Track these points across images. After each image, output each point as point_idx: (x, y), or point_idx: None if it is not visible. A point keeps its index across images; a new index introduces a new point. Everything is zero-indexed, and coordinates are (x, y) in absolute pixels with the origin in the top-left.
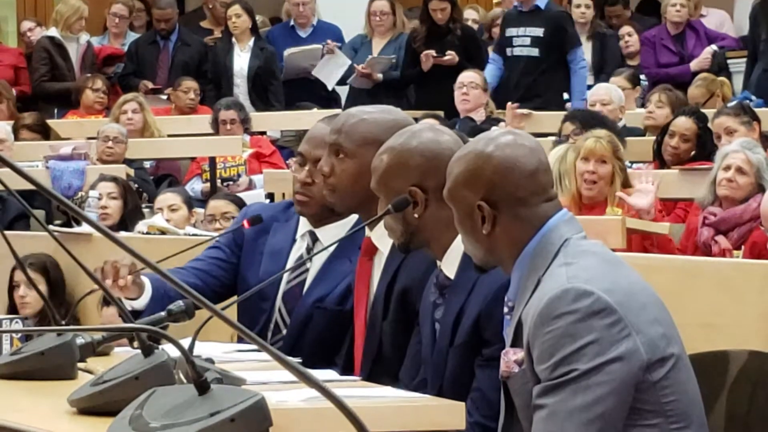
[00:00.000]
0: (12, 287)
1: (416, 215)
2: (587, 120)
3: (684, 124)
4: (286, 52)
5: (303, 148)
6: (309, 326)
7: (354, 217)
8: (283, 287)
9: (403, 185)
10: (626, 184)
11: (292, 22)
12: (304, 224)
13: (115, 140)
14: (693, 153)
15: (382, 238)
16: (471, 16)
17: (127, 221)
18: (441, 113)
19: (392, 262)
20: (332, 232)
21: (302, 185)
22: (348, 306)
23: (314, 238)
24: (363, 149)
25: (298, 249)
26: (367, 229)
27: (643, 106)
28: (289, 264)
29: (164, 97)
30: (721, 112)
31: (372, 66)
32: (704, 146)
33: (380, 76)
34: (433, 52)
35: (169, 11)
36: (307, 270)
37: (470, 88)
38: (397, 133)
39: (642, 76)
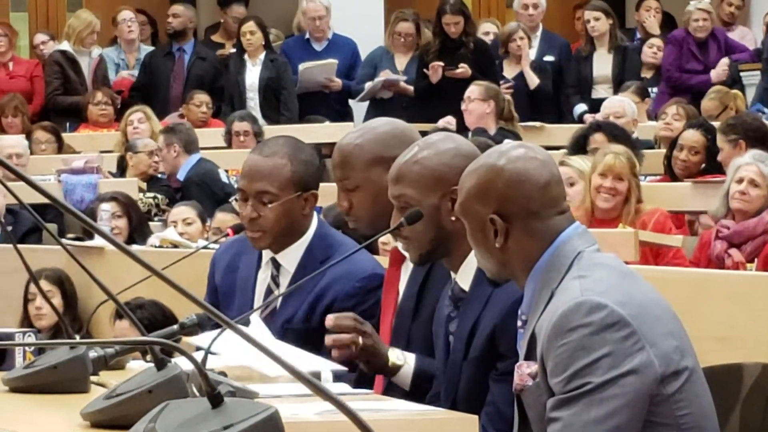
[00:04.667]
0: (27, 300)
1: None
2: (614, 133)
3: (692, 136)
4: (301, 66)
5: (242, 184)
6: None
7: (311, 232)
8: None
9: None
10: (640, 201)
11: (307, 35)
12: (266, 251)
13: (158, 152)
14: (703, 165)
15: None
16: (491, 29)
17: (134, 236)
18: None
19: (420, 268)
20: (292, 255)
21: (249, 221)
22: (314, 322)
23: (277, 265)
24: (369, 173)
25: (264, 276)
26: (392, 239)
27: (652, 118)
28: (258, 290)
29: (177, 113)
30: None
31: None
32: (714, 158)
33: (412, 88)
34: (440, 63)
35: (184, 12)
36: (274, 297)
37: (468, 102)
38: (414, 142)
39: (650, 89)
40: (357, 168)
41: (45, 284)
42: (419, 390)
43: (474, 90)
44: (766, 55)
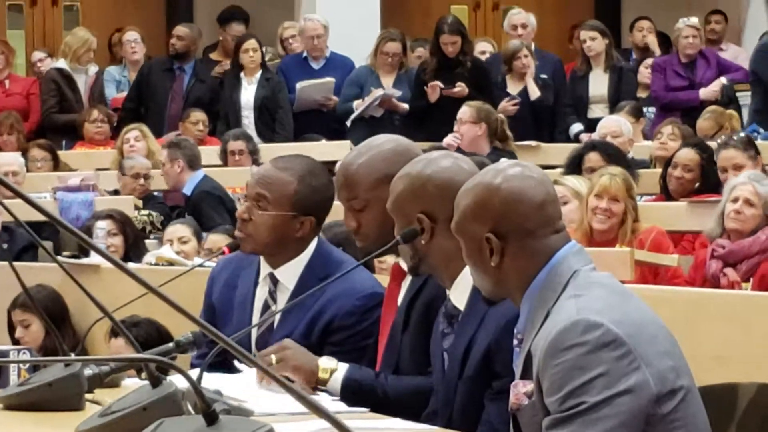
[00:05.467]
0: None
1: (423, 242)
2: (609, 152)
3: (687, 155)
4: (299, 85)
5: (248, 184)
6: None
7: (310, 249)
8: (255, 334)
9: (415, 211)
10: (637, 220)
11: (305, 54)
12: (264, 266)
13: (145, 176)
14: (698, 185)
15: None
16: (487, 48)
17: (130, 254)
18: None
19: (416, 280)
20: (291, 271)
21: (241, 221)
22: (312, 339)
23: (275, 281)
24: (376, 192)
25: (262, 293)
26: (393, 255)
27: (647, 138)
28: (256, 307)
29: (176, 132)
30: (728, 143)
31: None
32: (708, 178)
33: (406, 105)
34: (439, 83)
35: (188, 34)
36: (272, 313)
37: (460, 124)
38: (417, 158)
39: (645, 109)
40: (364, 187)
41: (19, 313)
42: (351, 398)
43: (465, 111)
44: (752, 77)
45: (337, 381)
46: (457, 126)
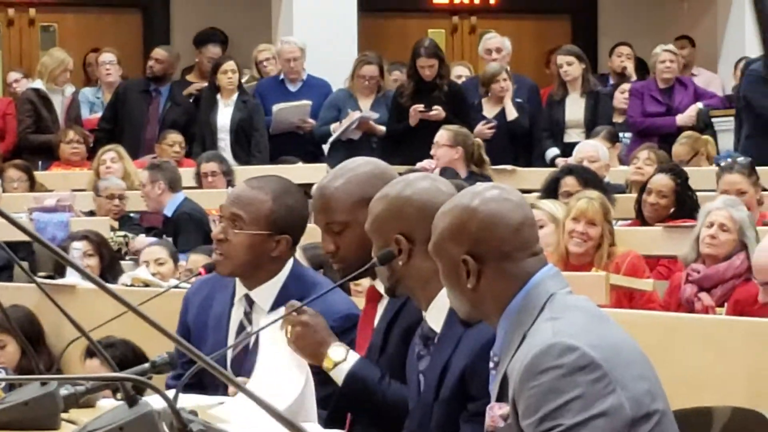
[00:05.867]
0: None
1: (400, 263)
2: (585, 176)
3: (661, 180)
4: (275, 108)
5: (223, 204)
6: None
7: (286, 270)
8: (230, 355)
9: (394, 232)
10: (613, 244)
11: (281, 76)
12: (240, 287)
13: (120, 197)
14: (672, 210)
15: None
16: (463, 72)
17: (106, 275)
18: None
19: (394, 303)
20: (266, 292)
21: (216, 242)
22: None
23: (250, 302)
24: (354, 215)
25: (237, 314)
26: (369, 278)
27: (623, 163)
28: (231, 328)
29: (151, 156)
30: (733, 168)
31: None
32: (684, 203)
33: (383, 128)
34: (421, 107)
35: (167, 58)
36: (249, 334)
37: (437, 147)
38: (395, 180)
39: (621, 134)
40: (342, 211)
41: (6, 324)
42: (350, 394)
43: (443, 135)
44: (743, 103)
45: (341, 372)
46: (434, 149)
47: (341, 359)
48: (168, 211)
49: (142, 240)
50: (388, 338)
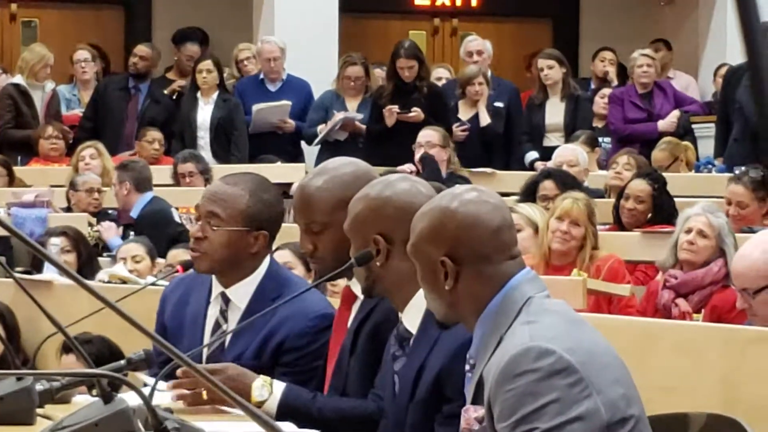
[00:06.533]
0: None
1: (378, 264)
2: (564, 180)
3: (638, 186)
4: (255, 107)
5: (199, 203)
6: None
7: (263, 269)
8: (206, 352)
9: (372, 233)
10: (596, 248)
11: (261, 76)
12: (216, 285)
13: (99, 191)
14: (650, 215)
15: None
16: (443, 74)
17: (83, 271)
18: (407, 166)
19: (367, 303)
20: (243, 290)
21: (194, 240)
22: (264, 360)
23: (226, 299)
24: (335, 215)
25: (213, 312)
26: (345, 279)
27: (603, 168)
28: (207, 326)
29: (130, 152)
30: (741, 179)
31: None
32: (661, 208)
33: (364, 127)
34: (396, 108)
35: (151, 55)
36: (224, 333)
37: (428, 147)
38: (375, 180)
39: (601, 139)
40: (321, 212)
41: None
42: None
43: (433, 135)
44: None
45: (272, 408)
46: (424, 149)
47: (265, 398)
48: (134, 212)
49: (108, 226)
50: (357, 338)
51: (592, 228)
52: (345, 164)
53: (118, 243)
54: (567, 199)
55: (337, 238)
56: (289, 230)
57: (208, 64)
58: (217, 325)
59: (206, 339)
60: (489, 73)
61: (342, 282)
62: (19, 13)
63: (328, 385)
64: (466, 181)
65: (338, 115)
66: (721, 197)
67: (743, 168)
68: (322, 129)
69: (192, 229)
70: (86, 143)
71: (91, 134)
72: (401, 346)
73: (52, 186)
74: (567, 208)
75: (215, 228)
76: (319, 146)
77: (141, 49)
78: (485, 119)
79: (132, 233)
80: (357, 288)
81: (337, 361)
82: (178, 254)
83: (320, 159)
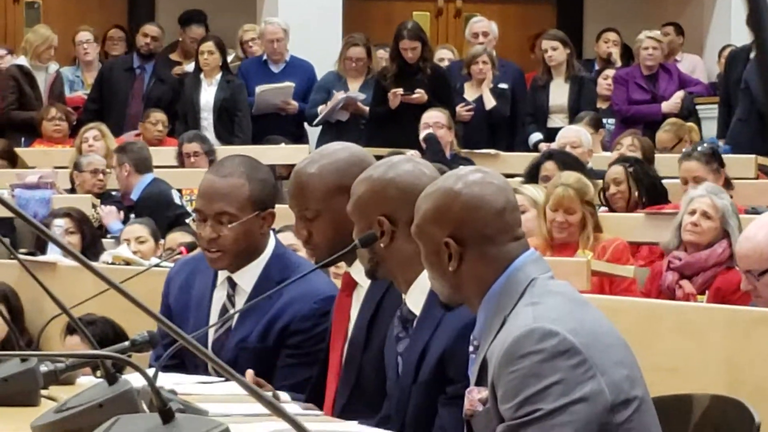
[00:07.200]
0: None
1: (382, 245)
2: (566, 161)
3: (612, 171)
4: (258, 89)
5: (200, 205)
6: (235, 368)
7: (268, 252)
8: (211, 336)
9: (376, 214)
10: (598, 228)
11: (264, 57)
12: (222, 270)
13: (103, 172)
14: (643, 199)
15: (361, 273)
16: (447, 55)
17: (87, 253)
18: (411, 151)
19: (373, 295)
20: (249, 274)
21: (209, 242)
22: (269, 342)
23: (233, 284)
24: (329, 202)
25: (220, 296)
26: (345, 264)
27: (606, 149)
28: (213, 309)
29: (134, 132)
30: (691, 155)
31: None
32: (649, 188)
33: (366, 108)
34: (401, 90)
35: (160, 35)
36: (229, 315)
37: (436, 128)
38: (378, 162)
39: (605, 120)
40: (316, 198)
41: None
42: None
43: (440, 116)
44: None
45: None
46: (433, 129)
47: None
48: (134, 195)
49: (108, 210)
50: (371, 334)
51: (588, 208)
52: (340, 150)
53: (119, 227)
54: (558, 187)
55: (332, 225)
56: (291, 212)
57: (209, 45)
58: (224, 310)
59: (212, 322)
60: (494, 54)
61: (344, 265)
62: None
63: (332, 376)
64: (470, 162)
65: (339, 95)
66: (702, 179)
67: (687, 147)
68: (323, 109)
69: (203, 233)
70: (89, 125)
71: (96, 116)
72: (404, 327)
73: (56, 167)
74: (558, 198)
75: (229, 225)
76: (320, 127)
77: (151, 29)
78: (490, 102)
79: (132, 216)
80: (357, 275)
81: (347, 355)
82: (177, 237)
83: (322, 140)
